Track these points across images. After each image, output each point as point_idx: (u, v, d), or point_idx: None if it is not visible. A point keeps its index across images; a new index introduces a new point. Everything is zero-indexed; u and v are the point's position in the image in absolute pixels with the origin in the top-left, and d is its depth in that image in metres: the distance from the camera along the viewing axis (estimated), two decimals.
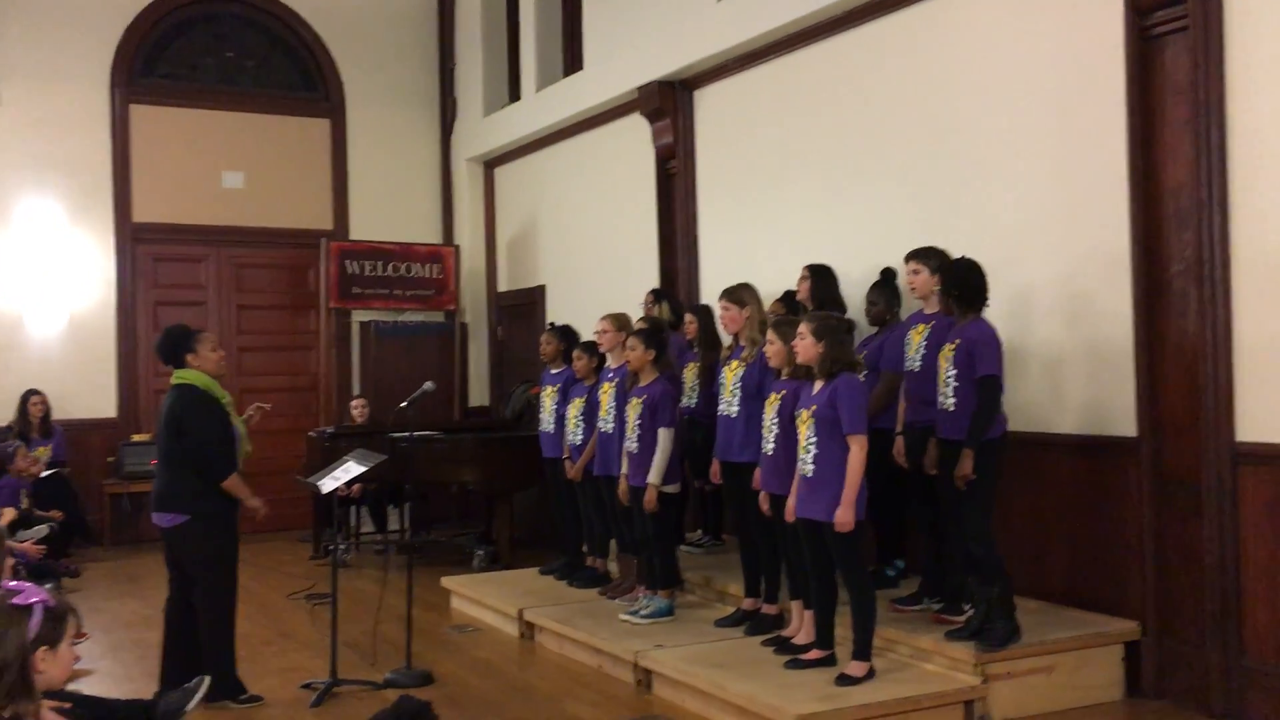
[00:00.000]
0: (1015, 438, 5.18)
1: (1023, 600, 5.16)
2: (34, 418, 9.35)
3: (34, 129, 9.80)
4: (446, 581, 7.51)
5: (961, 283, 5.01)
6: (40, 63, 9.80)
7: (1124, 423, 5.23)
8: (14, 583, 3.00)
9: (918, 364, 5.37)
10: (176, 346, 5.33)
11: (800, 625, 5.38)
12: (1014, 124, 5.77)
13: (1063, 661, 5.01)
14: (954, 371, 4.96)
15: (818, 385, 4.93)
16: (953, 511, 5.06)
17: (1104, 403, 5.36)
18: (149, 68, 10.38)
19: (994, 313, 5.13)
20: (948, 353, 5.01)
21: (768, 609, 5.79)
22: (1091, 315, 5.40)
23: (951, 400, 4.98)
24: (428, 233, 11.27)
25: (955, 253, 5.25)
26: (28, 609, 2.75)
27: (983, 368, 4.89)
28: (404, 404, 6.08)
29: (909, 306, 5.84)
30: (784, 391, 5.21)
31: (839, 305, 6.18)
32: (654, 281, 8.22)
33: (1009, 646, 4.85)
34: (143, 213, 10.23)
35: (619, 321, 6.67)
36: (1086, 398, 5.45)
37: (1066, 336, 5.52)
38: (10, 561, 3.59)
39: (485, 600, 7.04)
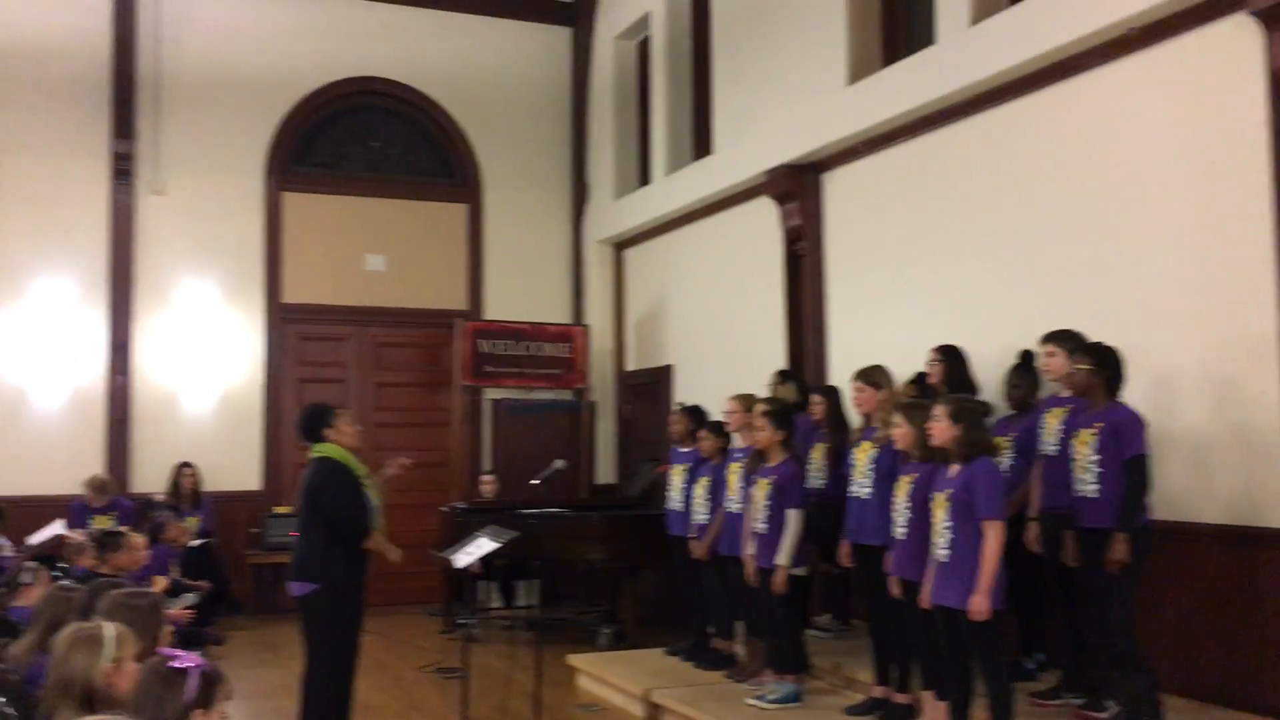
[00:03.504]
0: (1159, 527, 5.00)
1: (1170, 698, 4.93)
2: (185, 489, 9.78)
3: (194, 216, 10.42)
4: (573, 659, 7.54)
5: (1115, 366, 4.90)
6: (202, 155, 10.45)
7: (1276, 512, 5.00)
8: (170, 649, 3.14)
9: (1054, 448, 5.25)
10: (315, 423, 5.56)
11: (934, 716, 5.23)
12: (1152, 203, 5.67)
13: None
14: (1096, 457, 4.84)
15: (954, 469, 4.86)
16: (1093, 602, 4.88)
17: (1254, 491, 5.14)
18: (301, 157, 10.96)
19: (1133, 398, 5.00)
20: (1087, 437, 4.89)
21: (900, 698, 5.65)
22: (1239, 400, 5.21)
23: (1093, 486, 4.85)
24: (558, 313, 11.53)
25: (1091, 336, 5.14)
26: (184, 673, 2.87)
27: (1130, 449, 4.77)
28: (536, 480, 6.20)
29: (1045, 390, 5.72)
30: (917, 474, 5.14)
31: (971, 387, 6.09)
32: (780, 362, 8.23)
33: None
34: (291, 294, 10.73)
35: (746, 402, 6.69)
36: (1235, 486, 5.24)
37: (1211, 423, 5.33)
38: (169, 629, 3.76)
39: (611, 679, 7.03)
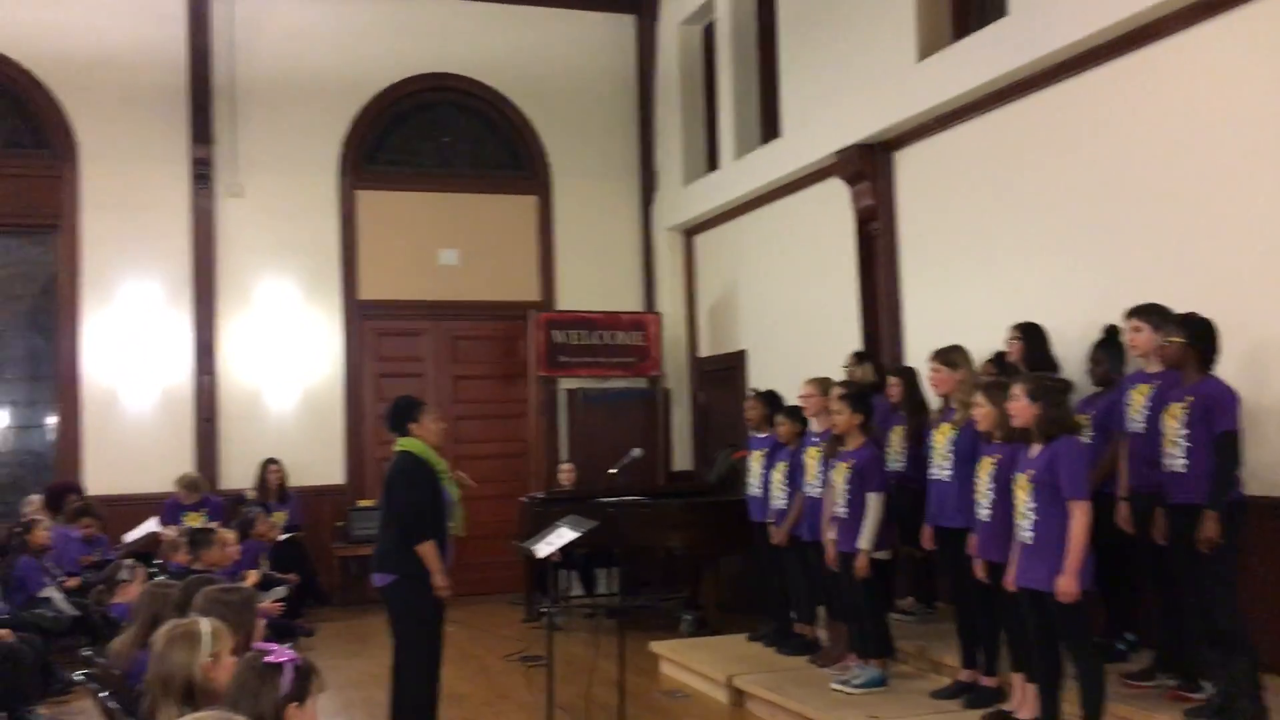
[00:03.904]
0: (1254, 502, 4.86)
1: (1270, 678, 4.80)
2: (272, 485, 10.01)
3: (272, 216, 10.63)
4: (655, 646, 7.57)
5: (1210, 338, 4.77)
6: (277, 157, 10.65)
7: None
8: (265, 644, 3.21)
9: (1141, 425, 5.13)
10: (403, 416, 5.64)
11: (1023, 699, 5.16)
12: (1240, 171, 5.49)
13: None
14: (1185, 431, 4.72)
15: (1035, 448, 4.78)
16: (1189, 580, 4.77)
17: None
18: (373, 156, 11.11)
19: (1225, 371, 4.86)
20: (1176, 411, 4.77)
21: (987, 681, 5.58)
22: None
23: (1181, 461, 4.73)
24: (630, 301, 11.54)
25: (1177, 309, 5.01)
26: (279, 667, 2.93)
27: (1221, 424, 4.64)
28: (614, 469, 6.22)
29: (1130, 365, 5.59)
30: (999, 455, 5.07)
31: (1051, 365, 5.97)
32: (855, 344, 8.15)
33: None
34: (367, 290, 10.89)
35: (822, 386, 6.64)
36: None
37: None
38: (262, 622, 3.85)
39: (694, 666, 7.05)
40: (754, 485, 7.36)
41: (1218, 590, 4.62)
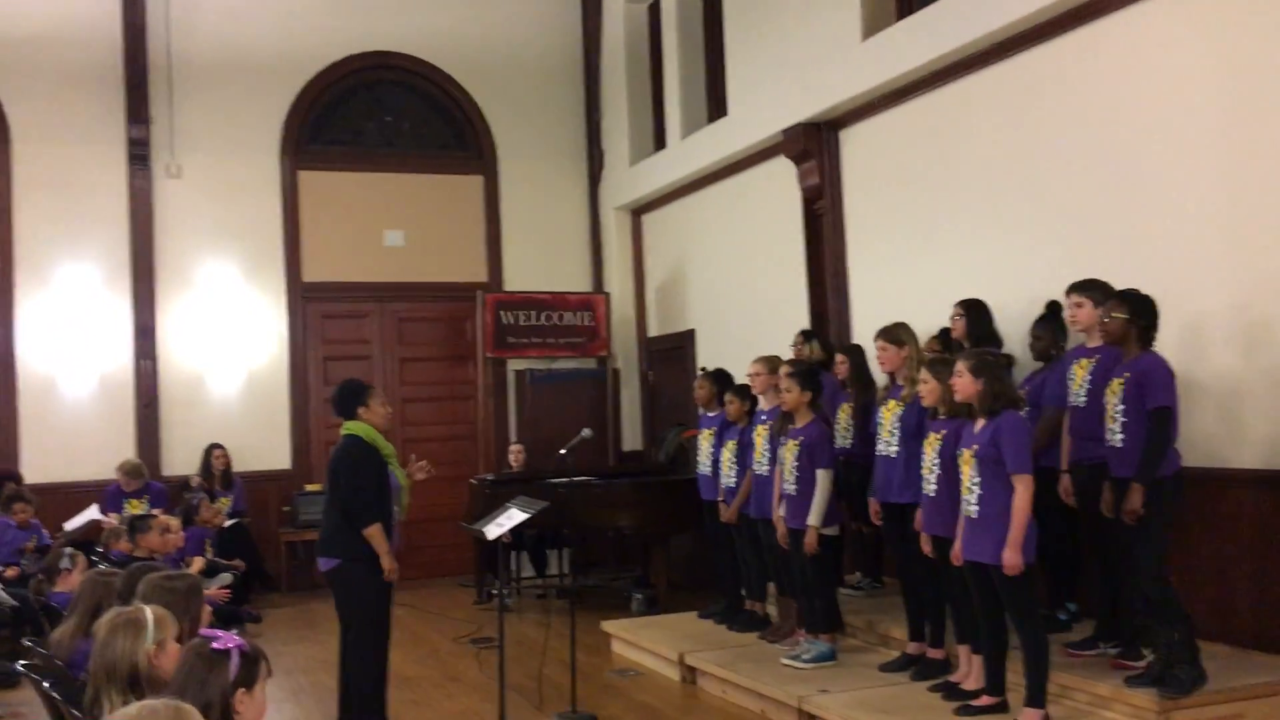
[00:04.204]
0: (1191, 474, 4.96)
1: (1208, 644, 4.92)
2: (216, 470, 9.87)
3: (212, 198, 10.44)
4: (607, 625, 7.59)
5: (1151, 314, 4.84)
6: (216, 136, 10.45)
7: None
8: (210, 630, 3.17)
9: (1083, 399, 5.21)
10: (350, 400, 5.57)
11: (969, 670, 5.25)
12: (1178, 148, 5.59)
13: (1252, 709, 4.73)
14: (1122, 406, 4.80)
15: (979, 424, 4.84)
16: (1127, 552, 4.87)
17: None
18: (315, 135, 10.95)
19: (1162, 345, 4.94)
20: (1115, 387, 4.85)
21: (934, 653, 5.67)
22: (1271, 343, 5.16)
23: (1120, 436, 4.81)
24: (578, 281, 11.51)
25: (1118, 284, 5.09)
26: (226, 653, 2.90)
27: (1154, 399, 4.71)
28: (563, 451, 6.21)
29: (1072, 340, 5.68)
30: (944, 431, 5.13)
31: (995, 341, 6.05)
32: (803, 322, 8.20)
33: (1194, 693, 4.62)
34: (311, 272, 10.75)
35: (771, 364, 6.68)
36: (1268, 430, 5.19)
37: (1244, 367, 5.28)
38: (207, 609, 3.80)
39: (646, 644, 7.08)
40: (703, 464, 7.39)
41: (1148, 560, 4.71)
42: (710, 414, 7.47)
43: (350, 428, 5.52)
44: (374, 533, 5.34)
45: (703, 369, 7.99)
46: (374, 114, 11.20)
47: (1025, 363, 5.98)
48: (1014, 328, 6.11)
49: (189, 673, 2.84)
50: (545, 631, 6.79)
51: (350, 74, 11.01)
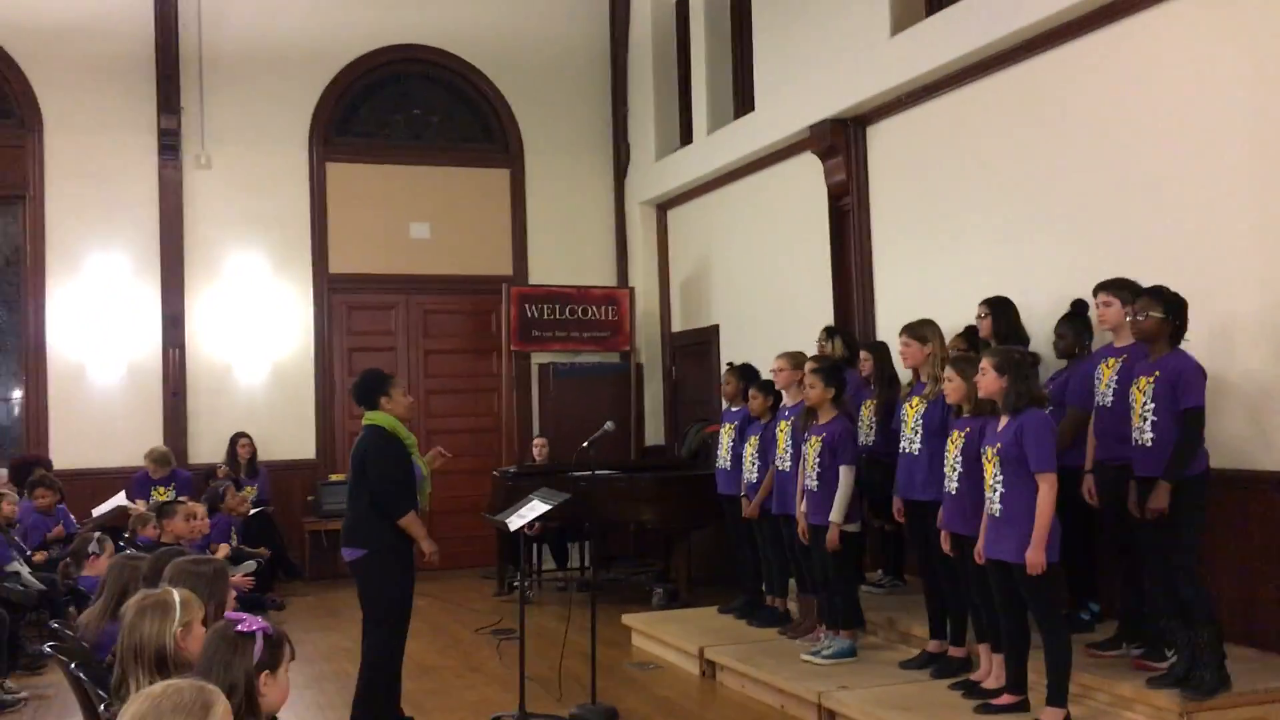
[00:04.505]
0: (1219, 475, 4.93)
1: (1232, 647, 4.88)
2: (242, 459, 9.96)
3: (240, 189, 10.52)
4: (627, 619, 7.61)
5: (1182, 313, 4.81)
6: (245, 128, 10.53)
7: None
8: (235, 613, 3.20)
9: (1109, 399, 5.18)
10: (371, 390, 5.55)
11: (990, 669, 5.23)
12: (1207, 147, 5.54)
13: (1276, 713, 4.70)
14: (1152, 405, 4.76)
15: (1003, 422, 4.82)
16: (1154, 552, 4.84)
17: None
18: (343, 128, 11.01)
19: (1191, 345, 4.91)
20: (1144, 385, 4.82)
21: (954, 651, 5.65)
22: None
23: (1149, 435, 4.78)
24: (603, 276, 11.53)
25: (1145, 283, 5.05)
26: (251, 635, 2.93)
27: (1187, 400, 4.68)
28: (585, 444, 6.22)
29: (1098, 339, 5.65)
30: (967, 429, 5.11)
31: (1021, 339, 6.02)
32: (828, 319, 8.18)
33: (1218, 695, 4.58)
34: (338, 264, 10.81)
35: (795, 360, 6.66)
36: None
37: (1272, 369, 5.23)
38: (232, 594, 3.84)
39: (666, 638, 7.09)
40: (723, 458, 7.39)
41: (1181, 560, 4.68)
42: (734, 409, 7.47)
43: (372, 418, 5.51)
44: (410, 521, 5.37)
45: (730, 364, 7.99)
46: (402, 107, 11.25)
47: (1050, 361, 5.95)
48: (1040, 326, 6.08)
49: (214, 654, 2.87)
50: (565, 624, 6.80)
51: (378, 67, 11.06)
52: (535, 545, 9.63)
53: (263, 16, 10.60)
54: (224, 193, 10.47)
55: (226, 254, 10.48)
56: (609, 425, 6.37)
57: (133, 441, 9.75)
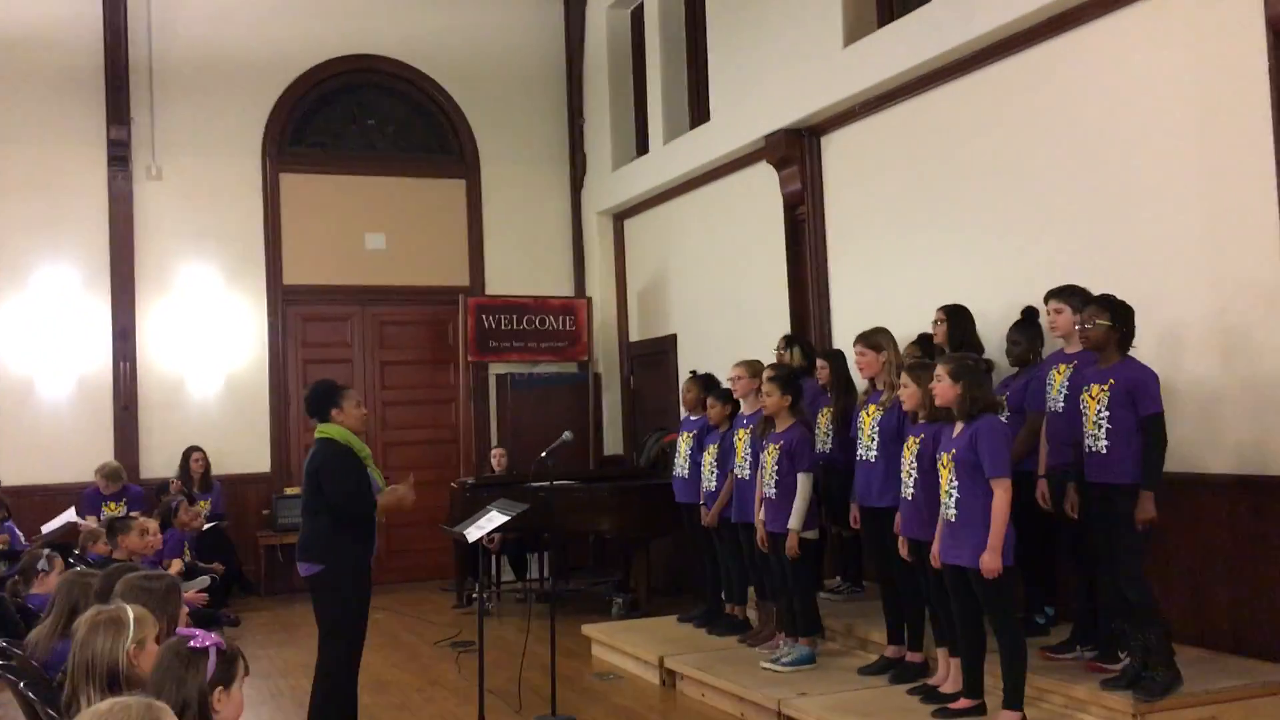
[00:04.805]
0: (1168, 478, 5.00)
1: (1183, 648, 4.96)
2: (195, 473, 9.82)
3: (192, 200, 10.40)
4: (587, 629, 7.59)
5: (1130, 320, 4.88)
6: (197, 139, 10.41)
7: None
8: (188, 629, 3.16)
9: (1060, 405, 5.25)
10: (323, 401, 5.43)
11: (947, 673, 5.27)
12: (1155, 155, 5.64)
13: (1226, 712, 4.78)
14: (1107, 414, 4.83)
15: (958, 428, 4.87)
16: (1105, 556, 4.90)
17: (1263, 441, 5.15)
18: (297, 138, 10.92)
19: (1139, 351, 4.99)
20: (1096, 393, 4.89)
21: (912, 656, 5.69)
22: (1247, 350, 5.21)
23: (1104, 443, 4.84)
24: (560, 286, 11.52)
25: (1096, 290, 5.13)
26: (204, 651, 2.89)
27: (1147, 407, 4.77)
28: (544, 454, 6.21)
29: (1049, 346, 5.72)
30: (923, 435, 5.16)
31: (976, 346, 6.09)
32: (785, 327, 8.23)
33: (1169, 696, 4.66)
34: (292, 275, 10.71)
35: (752, 368, 6.70)
36: (1245, 436, 5.24)
37: (1221, 373, 5.33)
38: (184, 610, 3.78)
39: (626, 648, 7.08)
40: (681, 466, 7.40)
41: (1127, 563, 4.75)
42: (693, 417, 7.49)
43: (324, 430, 5.38)
44: (383, 507, 5.40)
45: (692, 372, 8.01)
46: (356, 117, 11.18)
47: (1003, 368, 6.02)
48: (993, 332, 6.15)
49: (166, 671, 2.83)
50: (525, 635, 6.77)
51: (332, 77, 10.99)
52: (494, 557, 9.58)
53: (215, 26, 10.49)
54: (176, 204, 10.35)
55: (178, 265, 10.35)
56: (567, 435, 6.37)
57: (82, 456, 9.59)
